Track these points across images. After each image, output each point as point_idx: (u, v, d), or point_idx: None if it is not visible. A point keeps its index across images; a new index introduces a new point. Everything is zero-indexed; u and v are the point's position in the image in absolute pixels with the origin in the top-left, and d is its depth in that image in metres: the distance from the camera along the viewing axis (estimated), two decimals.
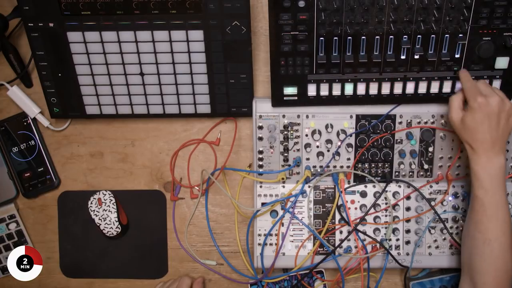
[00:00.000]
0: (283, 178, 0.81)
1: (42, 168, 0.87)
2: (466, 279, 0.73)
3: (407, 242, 0.82)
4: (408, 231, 0.82)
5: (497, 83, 0.75)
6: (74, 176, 0.88)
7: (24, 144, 0.86)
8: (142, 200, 0.88)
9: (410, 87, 0.76)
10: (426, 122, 0.78)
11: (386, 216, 0.81)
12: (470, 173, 0.72)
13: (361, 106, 0.78)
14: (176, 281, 0.84)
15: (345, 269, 0.80)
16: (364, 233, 0.81)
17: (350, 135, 0.79)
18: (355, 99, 0.77)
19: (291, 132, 0.79)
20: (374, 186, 0.81)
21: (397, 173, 0.81)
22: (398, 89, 0.76)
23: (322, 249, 0.82)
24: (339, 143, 0.79)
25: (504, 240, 0.69)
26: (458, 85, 0.75)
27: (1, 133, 0.86)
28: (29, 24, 0.76)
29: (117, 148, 0.87)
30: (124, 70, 0.79)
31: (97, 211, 0.85)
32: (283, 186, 0.82)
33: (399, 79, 0.75)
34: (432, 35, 0.71)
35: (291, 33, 0.71)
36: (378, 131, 0.78)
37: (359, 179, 0.82)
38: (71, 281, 0.91)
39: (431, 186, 0.81)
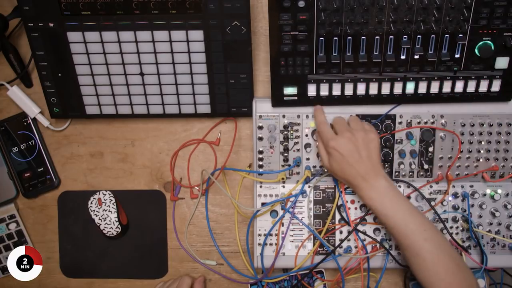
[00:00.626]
0: (283, 178, 0.81)
1: (42, 168, 0.87)
2: None
3: None
4: None
5: (497, 83, 0.75)
6: (74, 176, 0.88)
7: (24, 144, 0.86)
8: (142, 200, 0.88)
9: (410, 87, 0.76)
10: (426, 122, 0.78)
11: None
12: (371, 210, 0.73)
13: (361, 106, 0.78)
14: (176, 280, 0.84)
15: (345, 269, 0.80)
16: (364, 233, 0.81)
17: None
18: (355, 99, 0.77)
19: (291, 132, 0.79)
20: None
21: (397, 173, 0.81)
22: (398, 89, 0.76)
23: (322, 249, 0.82)
24: None
25: (430, 245, 0.67)
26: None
27: (1, 133, 0.86)
28: (29, 24, 0.76)
29: (117, 148, 0.87)
30: (124, 70, 0.79)
31: (97, 211, 0.85)
32: (283, 186, 0.82)
33: (399, 79, 0.75)
34: (432, 35, 0.71)
35: (291, 33, 0.71)
36: (378, 131, 0.78)
37: None
38: (71, 281, 0.91)
39: (431, 186, 0.81)
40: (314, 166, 0.81)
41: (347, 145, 0.70)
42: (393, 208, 0.70)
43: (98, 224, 0.85)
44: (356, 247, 0.81)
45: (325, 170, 0.79)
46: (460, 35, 0.71)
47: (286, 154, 0.80)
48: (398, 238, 0.70)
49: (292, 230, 0.82)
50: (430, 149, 0.79)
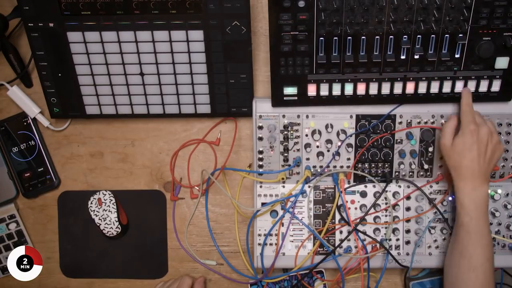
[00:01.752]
0: (283, 178, 0.81)
1: (42, 168, 0.87)
2: None
3: (407, 242, 0.82)
4: (408, 231, 0.82)
5: (497, 83, 0.75)
6: (74, 176, 0.88)
7: (24, 144, 0.86)
8: (142, 200, 0.88)
9: (410, 87, 0.76)
10: (426, 122, 0.78)
11: (386, 216, 0.81)
12: (456, 202, 0.74)
13: (361, 106, 0.78)
14: (176, 280, 0.84)
15: (345, 269, 0.80)
16: (364, 233, 0.81)
17: (350, 135, 0.79)
18: (355, 99, 0.77)
19: (291, 132, 0.79)
20: (374, 186, 0.81)
21: (397, 173, 0.81)
22: (398, 89, 0.76)
23: (322, 249, 0.82)
24: (339, 143, 0.79)
25: (488, 266, 0.70)
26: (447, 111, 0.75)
27: (1, 133, 0.86)
28: (29, 24, 0.76)
29: (117, 148, 0.87)
30: (124, 70, 0.79)
31: (97, 211, 0.85)
32: (283, 186, 0.82)
33: (399, 79, 0.75)
34: (432, 35, 0.71)
35: (291, 33, 0.71)
36: (378, 131, 0.78)
37: (359, 179, 0.82)
38: (71, 281, 0.91)
39: (431, 186, 0.81)
40: (314, 166, 0.81)
41: (484, 137, 0.71)
42: (482, 216, 0.72)
43: (98, 224, 0.85)
44: (356, 247, 0.81)
45: (333, 166, 0.79)
46: (460, 35, 0.71)
47: (286, 154, 0.80)
48: (467, 245, 0.71)
49: (292, 230, 0.82)
50: (430, 149, 0.79)
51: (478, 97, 0.77)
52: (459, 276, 0.72)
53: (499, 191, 0.81)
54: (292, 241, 0.82)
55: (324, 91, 0.76)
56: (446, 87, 0.76)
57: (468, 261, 0.71)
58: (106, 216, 0.85)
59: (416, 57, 0.73)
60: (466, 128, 0.71)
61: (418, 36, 0.72)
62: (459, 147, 0.72)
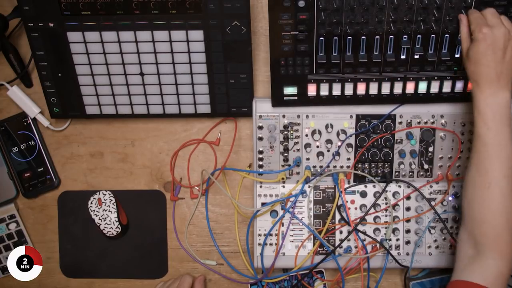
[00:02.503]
0: (283, 178, 0.81)
1: (42, 168, 0.87)
2: (464, 231, 0.70)
3: (407, 242, 0.82)
4: (408, 231, 0.82)
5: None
6: (74, 176, 0.88)
7: (24, 144, 0.86)
8: (142, 200, 0.88)
9: (410, 87, 0.76)
10: (426, 122, 0.78)
11: (386, 216, 0.81)
12: (473, 111, 0.68)
13: (361, 106, 0.78)
14: (177, 280, 0.84)
15: (345, 269, 0.80)
16: (364, 233, 0.81)
17: (350, 136, 0.79)
18: (355, 99, 0.77)
19: (291, 132, 0.79)
20: (374, 186, 0.81)
21: (397, 173, 0.81)
22: (398, 89, 0.76)
23: (322, 249, 0.82)
24: (339, 143, 0.79)
25: (505, 184, 0.65)
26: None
27: (1, 133, 0.86)
28: (29, 24, 0.76)
29: (117, 148, 0.87)
30: (124, 70, 0.79)
31: (97, 211, 0.85)
32: (283, 186, 0.82)
33: (399, 79, 0.75)
34: (432, 35, 0.71)
35: (291, 33, 0.71)
36: (378, 131, 0.78)
37: (359, 179, 0.82)
38: (71, 281, 0.91)
39: (431, 186, 0.81)
40: (314, 166, 0.81)
41: (499, 39, 0.64)
42: (500, 126, 0.66)
43: (98, 224, 0.85)
44: (356, 247, 0.81)
45: (333, 166, 0.79)
46: (460, 35, 0.71)
47: (286, 154, 0.80)
48: (483, 159, 0.66)
49: (292, 230, 0.82)
50: (430, 149, 0.79)
51: None
52: (474, 195, 0.68)
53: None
54: (292, 241, 0.82)
55: (324, 91, 0.76)
56: (446, 87, 0.76)
57: (483, 177, 0.66)
58: (106, 216, 0.85)
59: (416, 57, 0.73)
60: (478, 33, 0.65)
61: (418, 36, 0.72)
62: (473, 55, 0.66)
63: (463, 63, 0.70)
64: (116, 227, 0.85)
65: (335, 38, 0.72)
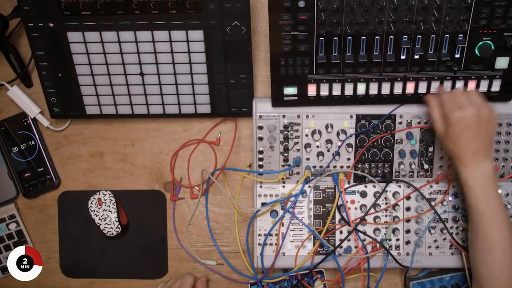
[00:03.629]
0: (283, 178, 0.81)
1: (42, 168, 0.87)
2: (476, 286, 0.73)
3: (407, 242, 0.82)
4: (408, 231, 0.82)
5: (497, 83, 0.75)
6: (74, 176, 0.88)
7: (24, 144, 0.86)
8: (142, 200, 0.88)
9: (410, 87, 0.76)
10: (426, 122, 0.78)
11: (386, 216, 0.81)
12: (462, 184, 0.72)
13: (361, 106, 0.78)
14: (178, 280, 0.84)
15: (345, 269, 0.80)
16: (364, 233, 0.81)
17: (351, 136, 0.79)
18: (355, 99, 0.77)
19: (291, 132, 0.79)
20: (374, 186, 0.81)
21: (397, 173, 0.81)
22: (398, 89, 0.76)
23: (322, 249, 0.82)
24: (339, 143, 0.79)
25: (505, 245, 0.69)
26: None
27: (1, 133, 0.86)
28: (29, 24, 0.76)
29: (117, 148, 0.87)
30: (124, 70, 0.79)
31: (97, 211, 0.85)
32: (283, 186, 0.82)
33: (399, 79, 0.75)
34: (432, 35, 0.71)
35: (291, 33, 0.71)
36: (378, 131, 0.78)
37: (359, 179, 0.82)
38: (71, 281, 0.91)
39: (431, 186, 0.81)
40: (314, 166, 0.81)
41: (472, 118, 0.68)
42: (489, 195, 0.70)
43: (98, 224, 0.85)
44: (356, 247, 0.81)
45: (333, 166, 0.79)
46: (460, 35, 0.71)
47: (286, 154, 0.80)
48: (479, 226, 0.70)
49: (292, 230, 0.82)
50: (430, 149, 0.79)
51: None
52: (478, 257, 0.71)
53: (499, 191, 0.81)
54: (292, 241, 0.82)
55: (324, 91, 0.76)
56: (446, 87, 0.76)
57: (482, 242, 0.70)
58: (106, 216, 0.85)
59: (416, 57, 0.73)
60: (451, 117, 0.69)
61: (418, 36, 0.72)
62: (450, 135, 0.70)
63: (440, 142, 0.74)
64: (116, 227, 0.85)
65: (335, 38, 0.72)
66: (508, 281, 0.69)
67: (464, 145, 0.69)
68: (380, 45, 0.72)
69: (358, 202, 0.81)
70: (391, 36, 0.72)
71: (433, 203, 0.80)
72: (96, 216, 0.85)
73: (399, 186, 0.81)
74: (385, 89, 0.76)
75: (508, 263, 0.69)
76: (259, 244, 0.82)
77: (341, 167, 0.81)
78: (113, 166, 0.88)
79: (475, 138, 0.69)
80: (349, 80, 0.75)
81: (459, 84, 0.75)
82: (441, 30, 0.71)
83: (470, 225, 0.74)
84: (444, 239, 0.82)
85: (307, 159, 0.80)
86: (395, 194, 0.81)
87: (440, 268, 0.85)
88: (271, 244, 0.82)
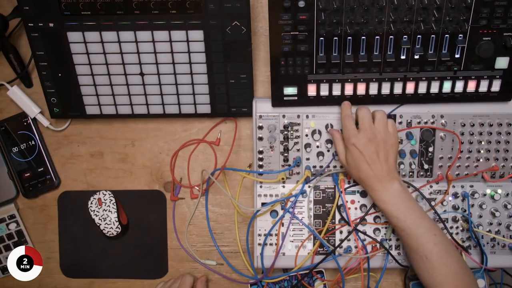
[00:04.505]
0: (283, 178, 0.81)
1: (42, 168, 0.87)
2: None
3: None
4: None
5: (497, 83, 0.75)
6: (74, 176, 0.88)
7: (24, 144, 0.86)
8: (142, 200, 0.88)
9: (410, 87, 0.76)
10: (426, 122, 0.78)
11: None
12: (377, 205, 0.74)
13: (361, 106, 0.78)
14: (177, 280, 0.84)
15: (345, 269, 0.80)
16: (364, 233, 0.81)
17: None
18: (355, 99, 0.77)
19: (291, 132, 0.79)
20: None
21: None
22: (398, 89, 0.76)
23: (322, 249, 0.82)
24: None
25: (438, 249, 0.69)
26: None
27: (1, 133, 0.86)
28: (29, 24, 0.76)
29: (117, 148, 0.87)
30: (124, 70, 0.79)
31: (97, 211, 0.85)
32: (283, 186, 0.82)
33: (399, 79, 0.75)
34: (432, 35, 0.71)
35: (291, 33, 0.71)
36: None
37: None
38: (71, 281, 0.91)
39: (431, 186, 0.81)
40: (314, 166, 0.81)
41: (367, 145, 0.70)
42: (405, 211, 0.71)
43: (98, 224, 0.85)
44: (356, 247, 0.81)
45: (333, 166, 0.79)
46: (460, 35, 0.71)
47: (286, 154, 0.80)
48: (408, 241, 0.71)
49: (292, 230, 0.82)
50: (430, 149, 0.79)
51: (478, 97, 0.77)
52: (419, 269, 0.72)
53: (499, 191, 0.81)
54: (292, 241, 0.82)
55: (324, 91, 0.76)
56: (446, 87, 0.76)
57: (416, 254, 0.71)
58: (106, 216, 0.85)
59: (416, 57, 0.73)
60: (348, 143, 0.72)
61: (418, 36, 0.72)
62: (350, 162, 0.73)
63: (344, 169, 0.76)
64: (116, 227, 0.85)
65: (335, 38, 0.72)
66: (456, 280, 0.69)
67: (366, 171, 0.71)
68: (380, 45, 0.72)
69: (358, 202, 0.81)
70: (391, 36, 0.72)
71: (433, 203, 0.80)
72: (96, 216, 0.85)
73: None
74: (385, 89, 0.76)
75: (448, 264, 0.69)
76: (259, 244, 0.82)
77: (341, 167, 0.81)
78: (113, 166, 0.88)
79: (375, 163, 0.71)
80: (349, 80, 0.75)
81: (459, 84, 0.75)
82: (441, 30, 0.71)
83: (401, 242, 0.75)
84: None
85: (307, 159, 0.80)
86: None
87: None
88: (271, 244, 0.82)
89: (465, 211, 0.81)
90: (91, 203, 0.85)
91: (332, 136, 0.77)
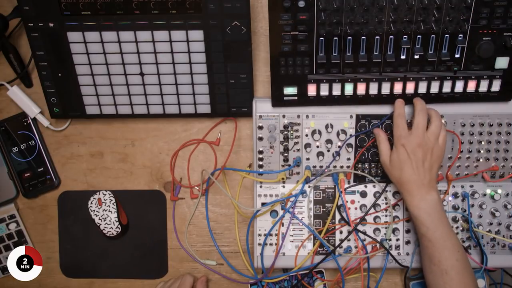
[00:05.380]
0: (283, 178, 0.81)
1: (42, 168, 0.87)
2: None
3: (407, 242, 0.82)
4: (408, 231, 0.82)
5: (497, 83, 0.75)
6: (74, 176, 0.88)
7: (24, 144, 0.86)
8: (142, 200, 0.88)
9: (410, 87, 0.76)
10: None
11: (386, 216, 0.81)
12: (409, 213, 0.74)
13: (361, 106, 0.78)
14: (177, 280, 0.84)
15: (345, 269, 0.80)
16: (364, 233, 0.81)
17: (351, 136, 0.79)
18: (355, 99, 0.77)
19: (291, 132, 0.79)
20: (374, 186, 0.81)
21: None
22: (398, 89, 0.76)
23: (322, 249, 0.82)
24: (339, 143, 0.79)
25: (459, 266, 0.70)
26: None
27: (1, 133, 0.86)
28: (29, 24, 0.76)
29: (117, 148, 0.87)
30: (124, 70, 0.79)
31: (97, 211, 0.85)
32: (283, 186, 0.82)
33: (399, 79, 0.75)
34: (432, 35, 0.71)
35: (291, 33, 0.71)
36: None
37: (359, 179, 0.82)
38: (71, 281, 0.91)
39: None
40: (314, 166, 0.81)
41: (416, 149, 0.71)
42: (437, 223, 0.71)
43: (98, 224, 0.85)
44: (356, 247, 0.81)
45: (333, 166, 0.79)
46: (460, 35, 0.71)
47: (286, 154, 0.80)
48: (433, 252, 0.71)
49: (292, 230, 0.82)
50: None
51: (478, 97, 0.77)
52: (435, 281, 0.72)
53: (499, 191, 0.81)
54: (292, 241, 0.82)
55: (324, 91, 0.76)
56: (446, 87, 0.76)
57: (438, 267, 0.71)
58: (106, 216, 0.85)
59: (416, 57, 0.73)
60: (397, 142, 0.72)
61: (418, 36, 0.72)
62: (395, 162, 0.73)
63: (384, 169, 0.76)
64: (116, 227, 0.85)
65: (335, 38, 0.72)
66: None
67: (409, 174, 0.71)
68: (380, 45, 0.72)
69: (358, 202, 0.81)
70: (391, 36, 0.72)
71: None
72: (96, 216, 0.85)
73: None
74: (385, 89, 0.76)
75: (464, 283, 0.70)
76: (259, 244, 0.82)
77: (341, 167, 0.81)
78: (113, 166, 0.88)
79: (420, 168, 0.71)
80: (349, 80, 0.75)
81: (459, 84, 0.75)
82: (441, 30, 0.71)
83: (422, 251, 0.75)
84: None
85: (307, 159, 0.80)
86: (395, 194, 0.81)
87: None
88: (271, 244, 0.82)
89: (465, 211, 0.81)
90: (91, 203, 0.85)
91: (377, 136, 0.76)
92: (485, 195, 0.81)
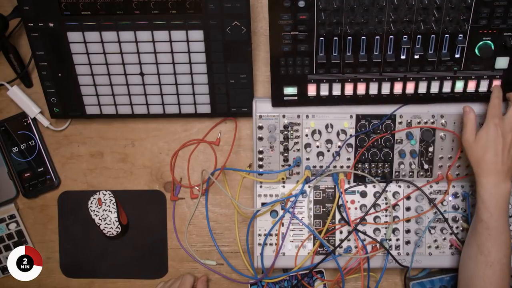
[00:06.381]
0: (283, 178, 0.81)
1: (42, 168, 0.87)
2: None
3: (407, 242, 0.82)
4: (408, 231, 0.82)
5: (497, 83, 0.75)
6: (74, 176, 0.88)
7: (24, 144, 0.86)
8: (142, 200, 0.88)
9: (410, 87, 0.76)
10: (426, 122, 0.78)
11: (386, 216, 0.81)
12: (477, 197, 0.73)
13: (361, 106, 0.78)
14: (178, 279, 0.84)
15: (345, 269, 0.80)
16: (364, 233, 0.81)
17: (351, 136, 0.79)
18: (355, 99, 0.77)
19: (291, 132, 0.79)
20: (374, 186, 0.81)
21: (397, 173, 0.81)
22: (398, 89, 0.76)
23: (322, 249, 0.82)
24: (339, 143, 0.79)
25: (505, 262, 0.70)
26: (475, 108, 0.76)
27: (1, 133, 0.86)
28: (29, 24, 0.76)
29: (117, 148, 0.87)
30: (124, 70, 0.79)
31: (97, 211, 0.85)
32: (283, 186, 0.82)
33: (399, 79, 0.75)
34: (432, 35, 0.71)
35: (291, 33, 0.71)
36: (378, 131, 0.78)
37: (359, 179, 0.82)
38: (71, 281, 0.91)
39: (431, 186, 0.81)
40: (314, 166, 0.81)
41: (508, 133, 0.69)
42: (501, 213, 0.71)
43: (98, 224, 0.85)
44: (356, 247, 0.81)
45: (333, 166, 0.79)
46: (460, 35, 0.71)
47: (286, 154, 0.80)
48: (485, 241, 0.71)
49: (292, 230, 0.82)
50: (430, 149, 0.79)
51: (478, 97, 0.77)
52: (476, 271, 0.71)
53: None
54: (292, 241, 0.82)
55: (324, 91, 0.76)
56: (446, 87, 0.76)
57: (485, 257, 0.70)
58: (106, 216, 0.85)
59: (416, 57, 0.73)
60: (491, 120, 0.70)
61: (418, 36, 0.72)
62: (482, 140, 0.70)
63: (465, 147, 0.73)
64: (116, 227, 0.85)
65: (335, 38, 0.72)
66: None
67: (495, 155, 0.69)
68: (380, 45, 0.72)
69: (358, 202, 0.81)
70: (391, 36, 0.72)
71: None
72: (96, 216, 0.85)
73: (399, 186, 0.81)
74: (385, 89, 0.76)
75: (504, 281, 0.70)
76: (259, 244, 0.82)
77: (341, 167, 0.81)
78: (113, 166, 0.88)
79: (506, 152, 0.69)
80: (349, 80, 0.75)
81: (459, 84, 0.75)
82: (441, 30, 0.71)
83: (472, 238, 0.74)
84: (444, 239, 0.82)
85: (307, 159, 0.80)
86: (395, 194, 0.81)
87: (440, 268, 0.85)
88: (271, 244, 0.82)
89: (465, 211, 0.81)
90: (91, 203, 0.85)
91: (465, 114, 0.73)
92: None
